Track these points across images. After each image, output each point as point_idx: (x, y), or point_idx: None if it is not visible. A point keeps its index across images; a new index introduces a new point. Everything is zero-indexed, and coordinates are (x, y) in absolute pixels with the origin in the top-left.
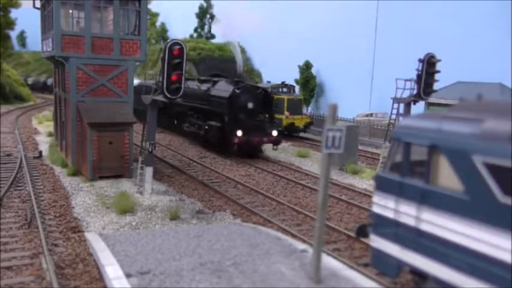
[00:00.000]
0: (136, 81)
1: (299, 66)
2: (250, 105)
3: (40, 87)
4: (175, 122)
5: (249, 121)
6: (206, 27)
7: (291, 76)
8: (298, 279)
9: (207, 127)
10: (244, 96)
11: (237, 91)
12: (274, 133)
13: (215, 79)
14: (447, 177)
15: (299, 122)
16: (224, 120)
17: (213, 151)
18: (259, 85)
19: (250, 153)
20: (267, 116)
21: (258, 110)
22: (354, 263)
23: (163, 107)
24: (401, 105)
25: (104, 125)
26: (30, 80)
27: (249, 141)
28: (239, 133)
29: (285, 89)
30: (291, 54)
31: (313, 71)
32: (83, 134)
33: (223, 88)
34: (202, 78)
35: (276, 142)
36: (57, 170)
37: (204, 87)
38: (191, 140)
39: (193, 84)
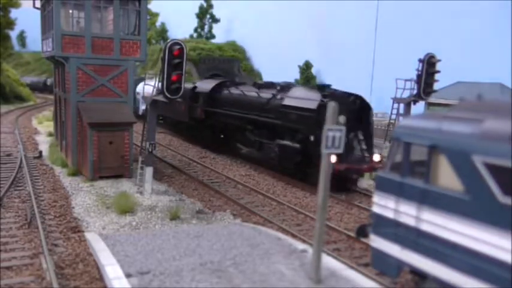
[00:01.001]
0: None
1: (299, 66)
2: (342, 119)
3: None
4: (222, 137)
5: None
6: (206, 27)
7: (291, 76)
8: (298, 279)
9: (277, 148)
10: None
11: (325, 100)
12: (376, 157)
13: (281, 84)
14: (447, 177)
15: None
16: (308, 139)
17: (213, 151)
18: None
19: (345, 185)
20: (361, 133)
21: (353, 126)
22: (354, 263)
23: (202, 118)
24: (401, 105)
25: (104, 125)
26: (49, 81)
27: (348, 170)
28: (333, 159)
29: None
30: (291, 54)
31: (313, 71)
32: (83, 134)
33: (304, 96)
34: (260, 82)
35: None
36: (57, 170)
37: (267, 94)
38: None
39: (248, 91)
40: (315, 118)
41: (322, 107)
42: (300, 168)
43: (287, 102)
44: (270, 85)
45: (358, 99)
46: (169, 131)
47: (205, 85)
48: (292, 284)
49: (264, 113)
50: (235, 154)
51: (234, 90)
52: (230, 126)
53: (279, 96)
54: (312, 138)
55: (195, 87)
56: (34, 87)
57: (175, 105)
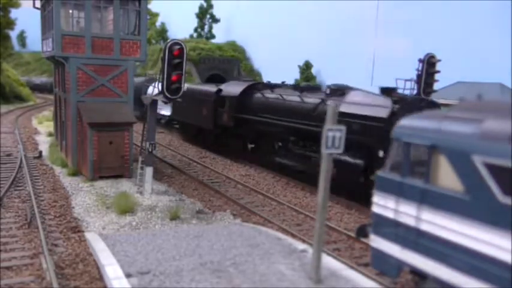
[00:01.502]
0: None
1: (299, 66)
2: None
3: None
4: (251, 147)
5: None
6: (206, 27)
7: (291, 76)
8: (298, 279)
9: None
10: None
11: (397, 107)
12: None
13: (332, 87)
14: (447, 177)
15: None
16: (375, 155)
17: (213, 151)
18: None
19: None
20: None
21: None
22: (354, 263)
23: (231, 125)
24: None
25: (104, 125)
26: None
27: None
28: None
29: None
30: (291, 54)
31: (313, 71)
32: (83, 134)
33: (368, 102)
34: (303, 85)
35: None
36: (57, 170)
37: (313, 99)
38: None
39: (288, 94)
40: (385, 129)
41: (394, 115)
42: (362, 189)
43: (345, 109)
44: (315, 88)
45: (431, 103)
46: (186, 137)
47: (233, 88)
48: (292, 284)
49: (310, 121)
50: (261, 163)
51: (270, 94)
52: (265, 135)
53: (330, 102)
54: (380, 153)
55: (219, 90)
56: (43, 88)
57: (196, 110)
